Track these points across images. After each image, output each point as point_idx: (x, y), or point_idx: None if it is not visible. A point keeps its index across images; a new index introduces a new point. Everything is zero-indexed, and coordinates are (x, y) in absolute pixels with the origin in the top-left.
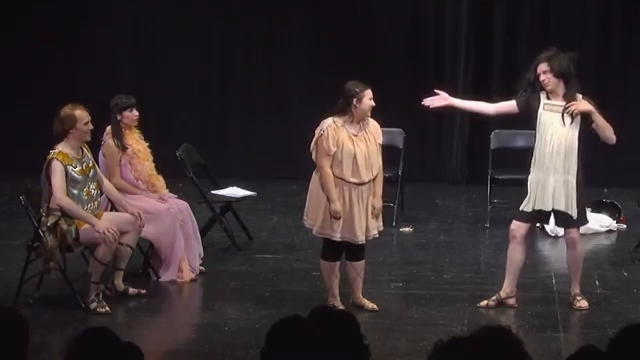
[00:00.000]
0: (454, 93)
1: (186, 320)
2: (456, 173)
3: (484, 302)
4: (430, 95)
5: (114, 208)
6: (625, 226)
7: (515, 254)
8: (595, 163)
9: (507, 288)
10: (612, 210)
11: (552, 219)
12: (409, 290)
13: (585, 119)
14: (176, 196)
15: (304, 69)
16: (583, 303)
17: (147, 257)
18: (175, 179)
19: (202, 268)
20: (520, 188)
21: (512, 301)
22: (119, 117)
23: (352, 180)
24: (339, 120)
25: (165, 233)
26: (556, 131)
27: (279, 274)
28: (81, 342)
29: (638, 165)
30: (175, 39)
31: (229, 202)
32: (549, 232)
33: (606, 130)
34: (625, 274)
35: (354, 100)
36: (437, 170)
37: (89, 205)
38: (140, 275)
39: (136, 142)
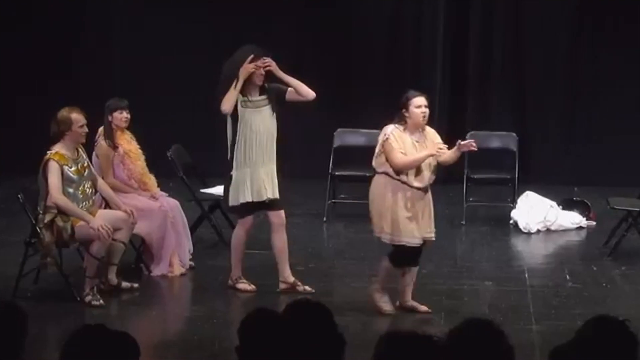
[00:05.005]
0: (431, 91)
1: (176, 313)
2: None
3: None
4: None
5: (107, 206)
6: (594, 223)
7: None
8: (566, 163)
9: None
10: (583, 208)
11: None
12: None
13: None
14: (167, 194)
15: (287, 71)
16: (308, 288)
17: (139, 252)
18: (166, 178)
19: (192, 263)
20: (494, 187)
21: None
22: (109, 119)
23: (415, 184)
24: (399, 127)
25: (157, 229)
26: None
27: (265, 269)
28: (77, 338)
29: (607, 165)
30: (166, 45)
31: (217, 200)
32: (522, 229)
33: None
34: (595, 268)
35: (404, 109)
36: None
37: (84, 203)
38: (133, 269)
39: (127, 143)
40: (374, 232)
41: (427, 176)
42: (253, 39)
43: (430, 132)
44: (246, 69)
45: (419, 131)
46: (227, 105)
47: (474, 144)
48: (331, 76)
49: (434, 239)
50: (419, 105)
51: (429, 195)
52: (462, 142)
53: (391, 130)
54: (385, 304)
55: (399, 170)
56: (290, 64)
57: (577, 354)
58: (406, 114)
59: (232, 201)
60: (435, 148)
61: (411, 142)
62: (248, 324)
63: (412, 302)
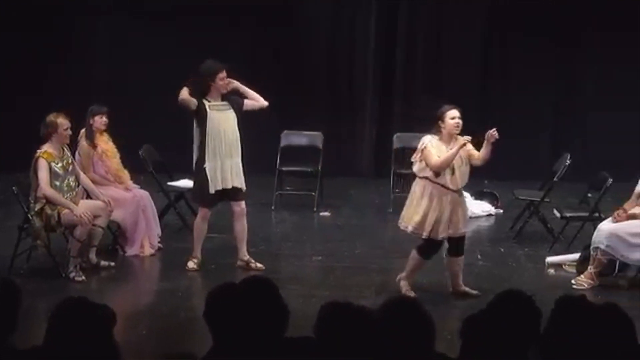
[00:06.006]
0: (363, 98)
1: (147, 287)
2: (366, 168)
3: None
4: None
5: (88, 197)
6: (502, 211)
7: None
8: None
9: None
10: (491, 198)
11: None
12: (327, 263)
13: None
14: (139, 187)
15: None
16: (259, 266)
17: (115, 236)
18: (138, 173)
19: (160, 245)
20: None
21: None
22: (91, 122)
23: (451, 187)
24: (435, 137)
25: (130, 216)
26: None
27: (223, 250)
28: (63, 307)
29: (513, 161)
30: (139, 57)
31: (182, 192)
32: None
33: (257, 98)
34: (502, 249)
35: (440, 121)
36: (350, 166)
37: (69, 194)
38: (110, 250)
39: (105, 143)
40: (399, 222)
41: (460, 180)
42: (212, 51)
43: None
44: (223, 81)
45: (453, 140)
46: (183, 92)
47: (495, 133)
48: (278, 85)
49: (464, 233)
50: (453, 117)
51: (463, 197)
52: (488, 133)
53: (429, 139)
54: (408, 292)
55: (437, 171)
56: (244, 74)
57: (488, 322)
58: (442, 125)
59: (211, 189)
60: (466, 139)
61: (446, 150)
62: (214, 295)
63: (464, 288)
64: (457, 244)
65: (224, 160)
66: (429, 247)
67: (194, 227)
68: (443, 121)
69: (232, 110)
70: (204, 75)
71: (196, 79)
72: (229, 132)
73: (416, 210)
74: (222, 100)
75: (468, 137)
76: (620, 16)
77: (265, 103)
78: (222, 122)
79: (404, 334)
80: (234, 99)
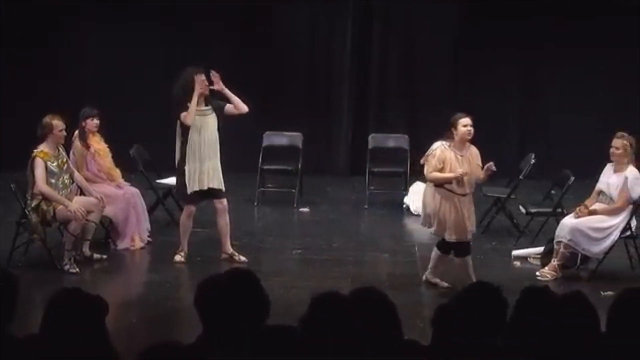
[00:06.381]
0: (340, 101)
1: (137, 279)
2: (342, 167)
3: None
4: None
5: (82, 193)
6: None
7: None
8: None
9: None
10: None
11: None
12: (306, 255)
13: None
14: (129, 184)
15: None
16: (243, 258)
17: (107, 230)
18: (128, 171)
19: (149, 239)
20: (391, 178)
21: None
22: (83, 124)
23: (458, 191)
24: (446, 143)
25: (121, 212)
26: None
27: (208, 244)
28: (58, 299)
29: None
30: (129, 64)
31: (169, 189)
32: (412, 212)
33: (238, 103)
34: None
35: (453, 128)
36: (328, 165)
37: (64, 191)
38: (102, 244)
39: (98, 143)
40: (421, 223)
41: (467, 186)
42: (196, 55)
43: (474, 152)
44: (201, 84)
45: (465, 147)
46: (189, 118)
47: (493, 167)
48: (261, 89)
49: (470, 239)
50: (465, 124)
51: (470, 199)
52: (487, 166)
53: (437, 146)
54: (441, 282)
55: (431, 181)
56: (228, 79)
57: (458, 312)
58: (454, 132)
59: (189, 190)
60: (461, 172)
61: (455, 157)
62: (202, 285)
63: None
64: (461, 247)
65: (203, 162)
66: (443, 242)
67: (180, 223)
68: (456, 128)
69: (213, 115)
70: (186, 82)
71: (181, 97)
72: (208, 135)
73: (432, 215)
74: (206, 104)
75: (465, 172)
76: (576, 31)
77: (246, 110)
78: (203, 125)
79: (369, 321)
80: (216, 102)
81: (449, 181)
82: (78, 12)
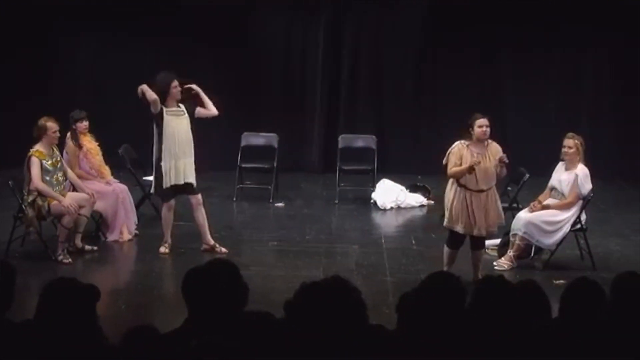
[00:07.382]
0: (313, 103)
1: (126, 268)
2: (315, 165)
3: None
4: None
5: (75, 190)
6: (433, 202)
7: None
8: (413, 158)
9: None
10: (424, 191)
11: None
12: (281, 247)
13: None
14: (118, 181)
15: (204, 89)
16: (223, 249)
17: (98, 223)
18: (118, 169)
19: (137, 232)
20: (359, 175)
21: None
22: (74, 126)
23: (473, 188)
24: (465, 142)
25: (111, 207)
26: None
27: (190, 237)
28: (52, 287)
29: (443, 157)
30: (116, 69)
31: None
32: (380, 207)
33: (209, 106)
34: (433, 235)
35: (470, 128)
36: (302, 163)
37: (57, 187)
38: (93, 236)
39: (89, 143)
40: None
41: (482, 183)
42: (177, 60)
43: (494, 147)
44: (174, 89)
45: (483, 145)
46: (153, 96)
47: (505, 158)
48: (239, 92)
49: (484, 234)
50: (481, 125)
51: (490, 196)
52: (499, 157)
53: (456, 145)
54: None
55: (450, 177)
56: (208, 84)
57: (420, 299)
58: (472, 132)
59: (165, 184)
60: (474, 162)
61: (471, 155)
62: (188, 274)
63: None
64: (476, 240)
65: (178, 159)
66: (451, 238)
67: (162, 217)
68: (473, 128)
69: (186, 115)
70: (160, 87)
71: (155, 87)
72: (182, 135)
73: (447, 207)
74: (178, 105)
75: (477, 161)
76: (530, 38)
77: (216, 112)
78: (177, 126)
79: (336, 306)
80: (188, 104)
81: (463, 174)
82: (70, 16)
